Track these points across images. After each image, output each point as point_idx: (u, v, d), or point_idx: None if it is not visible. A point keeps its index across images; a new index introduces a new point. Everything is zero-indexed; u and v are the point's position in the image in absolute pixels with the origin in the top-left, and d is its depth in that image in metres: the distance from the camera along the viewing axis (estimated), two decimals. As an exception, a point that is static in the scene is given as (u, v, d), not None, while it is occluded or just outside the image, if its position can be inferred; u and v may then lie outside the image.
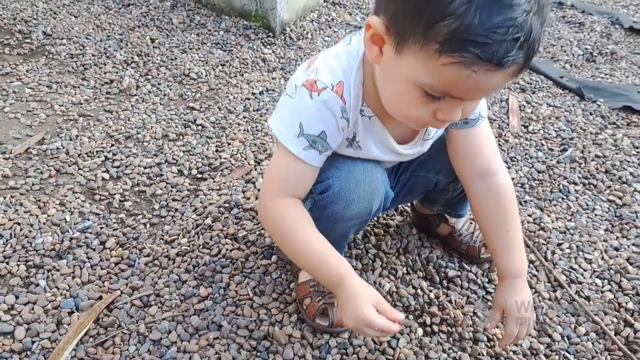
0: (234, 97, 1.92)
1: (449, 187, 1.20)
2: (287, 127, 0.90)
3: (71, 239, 1.32)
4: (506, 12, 0.64)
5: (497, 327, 1.16)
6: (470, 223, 1.36)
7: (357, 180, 0.97)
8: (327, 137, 0.90)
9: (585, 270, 1.32)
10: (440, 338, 1.16)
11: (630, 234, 1.44)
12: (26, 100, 1.83)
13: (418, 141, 1.03)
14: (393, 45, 0.74)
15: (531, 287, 1.27)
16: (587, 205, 1.53)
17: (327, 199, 0.97)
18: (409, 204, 1.44)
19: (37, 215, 1.38)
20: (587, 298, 1.26)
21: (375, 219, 1.42)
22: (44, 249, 1.29)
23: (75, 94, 1.89)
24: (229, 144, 1.70)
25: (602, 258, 1.36)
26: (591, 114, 1.96)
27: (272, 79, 2.05)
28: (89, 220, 1.39)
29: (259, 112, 1.85)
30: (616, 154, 1.74)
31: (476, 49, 0.66)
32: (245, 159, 1.63)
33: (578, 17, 2.80)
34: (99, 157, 1.60)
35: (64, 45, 2.15)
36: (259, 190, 1.51)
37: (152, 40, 2.21)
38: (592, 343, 1.16)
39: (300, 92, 0.89)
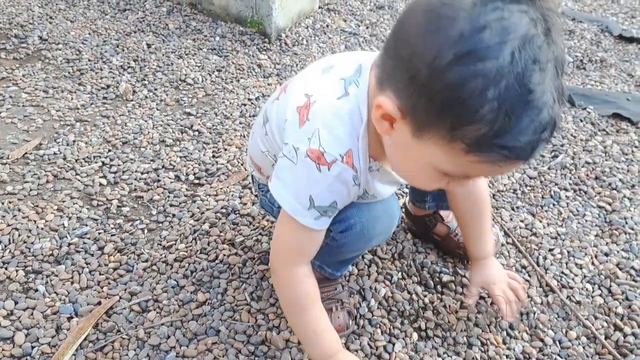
0: (230, 103, 1.93)
1: None
2: (295, 199, 0.86)
3: (69, 244, 1.33)
4: (534, 114, 0.63)
5: (490, 332, 1.18)
6: None
7: (378, 217, 0.99)
8: (338, 204, 0.89)
9: (576, 275, 1.35)
10: (435, 342, 1.18)
11: (619, 239, 1.47)
12: (23, 105, 1.84)
13: None
14: (410, 128, 0.71)
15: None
16: (578, 211, 1.56)
17: (348, 238, 1.00)
18: (404, 210, 1.46)
19: (35, 221, 1.39)
20: (578, 302, 1.28)
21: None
22: (42, 254, 1.30)
23: (72, 99, 1.89)
24: (225, 149, 1.71)
25: (593, 263, 1.39)
26: (581, 120, 1.99)
27: (268, 84, 2.06)
28: (87, 225, 1.40)
29: (255, 117, 1.87)
30: (606, 160, 1.77)
31: (504, 151, 0.65)
32: (242, 164, 1.65)
33: (569, 24, 2.84)
34: (96, 162, 1.62)
35: (60, 50, 2.15)
36: (255, 196, 1.53)
37: (149, 46, 2.23)
38: (583, 347, 1.19)
39: (305, 163, 0.82)
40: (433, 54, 0.62)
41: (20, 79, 1.96)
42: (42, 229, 1.37)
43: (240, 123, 1.84)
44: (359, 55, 0.88)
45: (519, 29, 0.60)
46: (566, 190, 1.64)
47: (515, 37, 0.60)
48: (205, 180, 1.58)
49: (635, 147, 1.85)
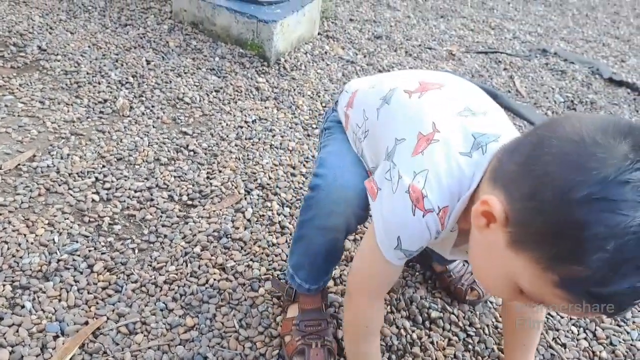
0: (226, 124, 1.94)
1: None
2: (386, 235, 0.87)
3: (59, 260, 1.32)
4: (638, 279, 0.60)
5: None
6: (463, 266, 1.40)
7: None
8: (417, 250, 0.90)
9: (562, 318, 1.37)
10: (422, 379, 1.18)
11: (605, 283, 1.49)
12: (18, 115, 1.83)
13: (463, 251, 1.00)
14: (507, 238, 0.68)
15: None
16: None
17: (311, 200, 1.05)
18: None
19: (25, 235, 1.38)
20: (564, 345, 1.30)
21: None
22: (30, 269, 1.29)
23: (68, 112, 1.89)
24: (220, 171, 1.72)
25: (578, 306, 1.41)
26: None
27: (265, 107, 2.08)
28: (77, 242, 1.39)
29: (251, 140, 1.88)
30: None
31: (593, 301, 0.63)
32: (236, 187, 1.65)
33: (560, 65, 2.91)
34: (89, 177, 1.61)
35: (58, 61, 2.15)
36: (248, 220, 1.53)
37: (148, 62, 2.24)
38: (567, 391, 1.20)
39: (403, 199, 0.82)
40: (568, 185, 0.61)
41: (17, 88, 1.96)
42: (31, 243, 1.36)
43: (236, 145, 1.84)
44: (500, 116, 0.90)
45: None
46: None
47: None
48: (199, 201, 1.59)
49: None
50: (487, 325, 1.32)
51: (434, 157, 0.82)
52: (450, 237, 0.92)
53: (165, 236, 1.45)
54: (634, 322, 1.38)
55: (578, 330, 1.34)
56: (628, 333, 1.34)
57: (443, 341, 1.27)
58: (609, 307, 0.63)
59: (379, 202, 0.89)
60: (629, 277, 0.60)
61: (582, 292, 0.62)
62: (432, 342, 1.26)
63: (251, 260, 1.40)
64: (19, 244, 1.34)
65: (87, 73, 2.11)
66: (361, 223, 1.06)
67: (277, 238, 1.48)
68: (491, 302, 1.38)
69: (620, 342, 1.32)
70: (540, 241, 0.64)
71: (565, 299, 0.64)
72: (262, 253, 1.43)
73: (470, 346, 1.27)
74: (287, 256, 1.42)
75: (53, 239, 1.38)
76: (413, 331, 1.28)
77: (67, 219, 1.45)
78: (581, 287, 0.62)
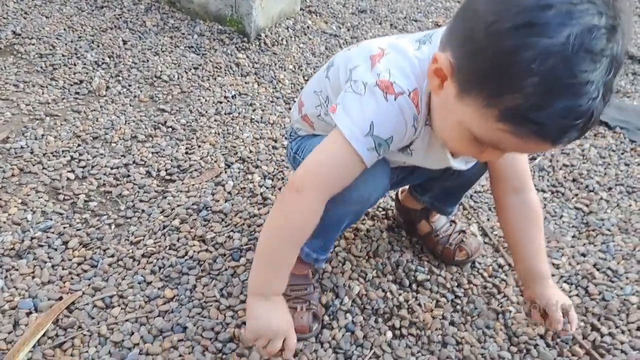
0: (205, 100, 1.90)
1: (455, 172, 1.15)
2: (355, 124, 0.85)
3: (32, 238, 1.28)
4: (572, 99, 0.64)
5: (465, 331, 1.16)
6: (450, 225, 1.36)
7: (357, 184, 0.94)
8: (392, 143, 0.88)
9: (553, 275, 1.33)
10: (409, 341, 1.15)
11: (596, 240, 1.46)
12: (-9, 99, 1.78)
13: (463, 160, 1.02)
14: (456, 88, 0.74)
15: (500, 292, 1.28)
16: (555, 212, 1.55)
17: None
18: (392, 200, 1.44)
19: (-4, 214, 1.33)
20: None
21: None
22: (3, 248, 1.25)
23: (43, 94, 1.84)
24: (199, 146, 1.67)
25: (570, 264, 1.37)
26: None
27: (246, 83, 2.03)
28: (51, 220, 1.34)
29: (231, 115, 1.83)
30: (583, 163, 1.77)
31: (533, 126, 0.67)
32: (216, 161, 1.61)
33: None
34: (64, 156, 1.56)
35: (33, 45, 2.10)
36: (228, 193, 1.49)
37: (124, 42, 2.18)
38: (560, 347, 1.16)
39: (373, 92, 0.84)
40: (494, 18, 0.65)
41: (-10, 72, 1.90)
42: (4, 222, 1.32)
43: (216, 120, 1.80)
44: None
45: (583, 17, 0.62)
46: (544, 191, 1.63)
47: (577, 24, 0.62)
48: (177, 176, 1.54)
49: (613, 151, 1.85)
50: (476, 286, 1.29)
51: (391, 60, 0.87)
52: (433, 137, 0.92)
53: (143, 211, 1.41)
54: (627, 277, 1.34)
55: (570, 288, 1.31)
56: (621, 288, 1.31)
57: (431, 303, 1.23)
58: (550, 132, 0.67)
59: (343, 108, 0.88)
60: (562, 96, 0.64)
61: (522, 119, 0.67)
62: (419, 304, 1.22)
63: (232, 231, 1.36)
64: (-10, 223, 1.30)
65: (63, 55, 2.06)
66: (386, 192, 1.07)
67: (259, 209, 1.44)
68: (479, 263, 1.35)
69: (613, 297, 1.28)
70: (480, 81, 0.69)
71: (511, 132, 0.69)
72: (244, 224, 1.39)
73: (458, 307, 1.23)
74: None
75: (26, 218, 1.34)
76: (400, 294, 1.24)
77: (41, 197, 1.41)
78: (520, 115, 0.66)
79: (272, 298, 0.96)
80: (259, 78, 2.07)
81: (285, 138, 1.61)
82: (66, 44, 2.13)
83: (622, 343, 1.17)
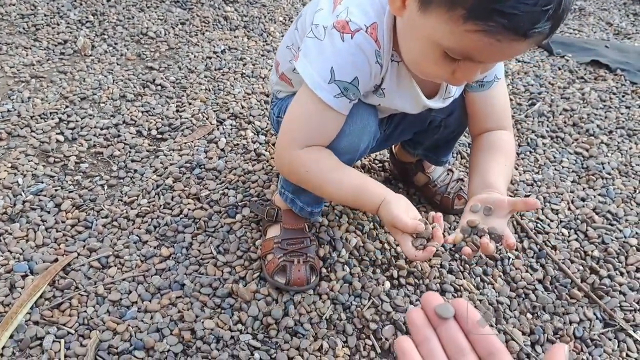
0: (194, 56, 1.85)
1: (441, 124, 1.14)
2: (317, 72, 0.83)
3: (24, 202, 1.26)
4: None
5: (463, 278, 1.15)
6: (447, 174, 1.34)
7: (345, 131, 0.93)
8: (359, 84, 0.85)
9: (552, 221, 1.32)
10: (408, 290, 1.15)
11: (596, 184, 1.44)
12: (-27, 62, 1.73)
13: (440, 98, 0.99)
14: (417, 4, 0.71)
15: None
16: (555, 157, 1.53)
17: None
18: (387, 153, 1.42)
19: (-14, 179, 1.31)
20: (554, 247, 1.26)
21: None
22: (-6, 212, 1.23)
23: (27, 55, 1.79)
24: (189, 103, 1.63)
25: (569, 209, 1.36)
26: (559, 68, 1.95)
27: (235, 37, 1.98)
28: (42, 182, 1.32)
29: (221, 70, 1.79)
30: (584, 107, 1.73)
31: (503, 19, 0.63)
32: (207, 118, 1.57)
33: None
34: (52, 119, 1.53)
35: (14, 5, 2.03)
36: (222, 150, 1.47)
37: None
38: (559, 291, 1.16)
39: (330, 35, 0.82)
40: None
41: (-29, 35, 1.85)
42: (-6, 187, 1.30)
43: (206, 77, 1.75)
44: None
45: None
46: (543, 137, 1.60)
47: None
48: (169, 135, 1.51)
49: (613, 93, 1.81)
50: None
51: None
52: (403, 72, 0.89)
53: (135, 171, 1.38)
54: (626, 221, 1.33)
55: (569, 232, 1.30)
56: (620, 231, 1.30)
57: (429, 252, 1.22)
58: (521, 23, 0.64)
59: (304, 55, 0.86)
60: None
61: (490, 13, 0.63)
62: (417, 254, 1.21)
63: (226, 188, 1.34)
64: (-20, 188, 1.28)
65: (45, 15, 1.99)
66: (375, 139, 1.03)
67: (253, 165, 1.42)
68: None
69: (612, 240, 1.28)
70: None
71: (480, 32, 0.66)
72: (238, 181, 1.37)
73: (457, 255, 1.23)
74: (264, 182, 1.36)
75: (17, 182, 1.32)
76: (397, 245, 1.23)
77: (31, 160, 1.39)
78: (487, 9, 0.63)
79: (382, 208, 0.89)
80: (248, 31, 2.01)
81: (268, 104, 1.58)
82: (48, 3, 2.06)
83: (620, 285, 1.17)
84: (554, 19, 0.65)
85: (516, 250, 1.25)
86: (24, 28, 1.92)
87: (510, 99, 1.76)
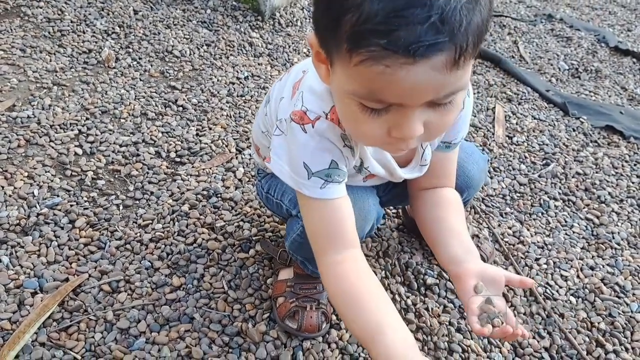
0: (217, 80, 1.85)
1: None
2: (294, 173, 0.81)
3: (38, 214, 1.25)
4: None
5: (471, 339, 1.15)
6: None
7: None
8: (340, 164, 0.82)
9: (560, 287, 1.33)
10: (416, 346, 1.14)
11: (605, 254, 1.45)
12: (-3, 63, 1.73)
13: (416, 167, 0.96)
14: (328, 64, 0.68)
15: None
16: (566, 221, 1.54)
17: None
18: (401, 209, 1.42)
19: (2, 187, 1.30)
20: (562, 315, 1.26)
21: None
22: (8, 223, 1.22)
23: (51, 61, 1.79)
24: (210, 128, 1.64)
25: (578, 276, 1.37)
26: (574, 130, 1.97)
27: (259, 64, 1.99)
28: (58, 196, 1.32)
29: (243, 98, 1.80)
30: (596, 172, 1.76)
31: (380, 39, 0.56)
32: (227, 146, 1.58)
33: (566, 31, 2.83)
34: (72, 130, 1.53)
35: (41, 8, 2.04)
36: (239, 180, 1.47)
37: (136, 12, 2.12)
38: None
39: (292, 129, 0.79)
40: None
41: (-3, 35, 1.85)
42: (9, 195, 1.29)
43: (227, 102, 1.76)
44: None
45: None
46: (555, 199, 1.62)
47: None
48: (187, 159, 1.51)
49: (626, 161, 1.83)
50: (484, 293, 1.28)
51: (306, 82, 0.82)
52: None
53: (152, 193, 1.38)
54: (634, 294, 1.34)
55: (576, 301, 1.30)
56: (627, 305, 1.31)
57: (438, 308, 1.23)
58: (400, 40, 0.56)
59: (277, 156, 0.84)
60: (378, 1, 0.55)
61: (366, 37, 0.57)
62: (427, 309, 1.21)
63: (242, 220, 1.34)
64: (-4, 197, 1.27)
65: (71, 21, 2.00)
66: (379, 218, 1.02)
67: (269, 198, 1.42)
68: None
69: (619, 313, 1.28)
70: (324, 26, 0.64)
71: (366, 60, 0.58)
72: (254, 214, 1.37)
73: (465, 314, 1.22)
74: (279, 218, 1.36)
75: (33, 192, 1.31)
76: (408, 297, 1.23)
77: (48, 172, 1.38)
78: (363, 34, 0.57)
79: None
80: (272, 60, 2.03)
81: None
82: (75, 10, 2.07)
83: (626, 361, 1.18)
84: (444, 29, 0.55)
85: (524, 314, 1.25)
86: (49, 32, 1.92)
87: (525, 157, 1.78)
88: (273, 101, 0.94)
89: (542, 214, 1.55)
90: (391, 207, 1.45)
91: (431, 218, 1.00)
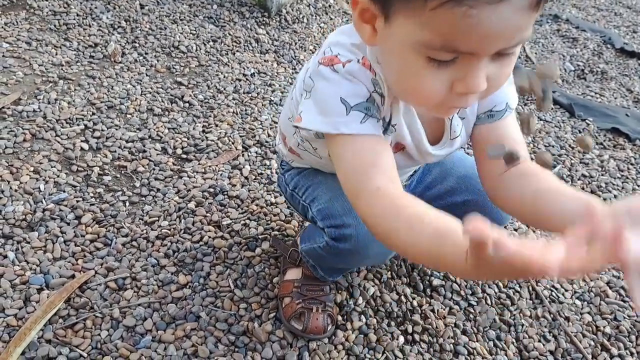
0: (224, 76, 1.85)
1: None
2: (329, 115, 0.73)
3: (44, 210, 1.25)
4: None
5: (477, 341, 1.15)
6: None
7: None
8: (375, 103, 0.75)
9: (566, 291, 1.33)
10: (421, 347, 1.14)
11: (611, 257, 1.45)
12: (3, 56, 1.72)
13: (447, 141, 0.88)
14: (381, 15, 0.63)
15: (513, 304, 1.27)
16: (571, 224, 1.54)
17: (341, 249, 0.92)
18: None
19: (8, 182, 1.30)
20: (567, 319, 1.26)
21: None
22: (14, 218, 1.22)
23: (57, 55, 1.78)
24: (216, 125, 1.63)
25: (584, 280, 1.37)
26: (580, 132, 1.97)
27: (265, 61, 1.98)
28: (64, 191, 1.31)
29: (250, 94, 1.79)
30: (602, 175, 1.75)
31: None
32: (233, 143, 1.57)
33: (572, 32, 2.82)
34: (78, 125, 1.52)
35: (47, 0, 2.03)
36: (245, 178, 1.46)
37: (142, 6, 2.11)
38: (570, 365, 1.17)
39: (320, 75, 0.74)
40: None
41: (2, 28, 1.84)
42: (15, 190, 1.28)
43: (234, 99, 1.76)
44: None
45: None
46: (560, 201, 1.61)
47: None
48: (194, 155, 1.51)
49: (632, 164, 1.83)
50: (490, 295, 1.28)
51: (332, 39, 0.78)
52: (409, 113, 0.80)
53: (158, 190, 1.38)
54: (638, 298, 1.34)
55: (582, 304, 1.30)
56: (633, 309, 1.31)
57: (444, 309, 1.22)
58: None
59: (306, 112, 0.77)
60: None
61: None
62: (432, 310, 1.21)
63: (248, 219, 1.34)
64: (2, 191, 1.27)
65: (77, 15, 1.99)
66: None
67: (275, 197, 1.42)
68: (495, 272, 1.34)
69: (624, 317, 1.28)
70: None
71: (446, 3, 0.55)
72: (260, 212, 1.36)
73: (471, 315, 1.23)
74: (286, 216, 1.36)
75: (39, 187, 1.31)
76: (414, 298, 1.23)
77: (54, 167, 1.38)
78: None
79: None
80: (278, 57, 2.02)
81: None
82: (81, 3, 2.06)
83: (631, 366, 1.18)
84: None
85: (530, 317, 1.25)
86: (55, 25, 1.92)
87: (532, 158, 1.77)
88: (299, 81, 0.88)
89: (548, 216, 1.55)
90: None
91: (530, 197, 0.80)
